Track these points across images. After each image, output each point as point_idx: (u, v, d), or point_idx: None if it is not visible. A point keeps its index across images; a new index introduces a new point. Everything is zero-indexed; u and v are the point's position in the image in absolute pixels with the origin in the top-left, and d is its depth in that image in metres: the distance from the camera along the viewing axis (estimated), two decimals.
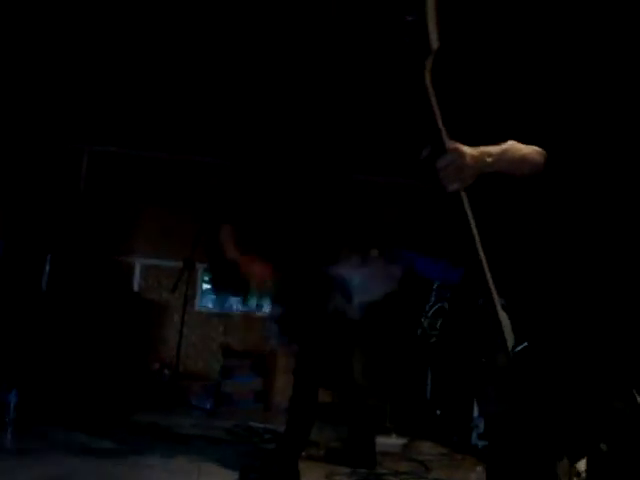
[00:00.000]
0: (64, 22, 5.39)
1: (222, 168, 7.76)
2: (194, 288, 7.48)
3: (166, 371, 6.85)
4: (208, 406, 6.83)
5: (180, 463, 4.42)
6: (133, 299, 7.15)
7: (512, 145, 2.03)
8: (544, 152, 2.04)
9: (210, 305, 7.89)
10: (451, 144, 1.92)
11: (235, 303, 7.99)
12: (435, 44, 1.79)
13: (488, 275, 1.84)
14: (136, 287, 7.57)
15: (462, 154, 1.92)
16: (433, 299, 6.16)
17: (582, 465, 2.32)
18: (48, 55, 5.94)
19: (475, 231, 1.88)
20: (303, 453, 4.50)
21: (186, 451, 4.77)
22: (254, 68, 6.09)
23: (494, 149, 2.00)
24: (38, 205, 7.07)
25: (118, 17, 5.40)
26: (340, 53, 5.64)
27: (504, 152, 2.01)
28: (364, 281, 4.43)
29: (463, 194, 1.92)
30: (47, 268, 6.19)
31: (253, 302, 7.95)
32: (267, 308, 7.68)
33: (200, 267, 7.46)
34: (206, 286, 7.94)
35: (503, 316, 1.85)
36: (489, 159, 1.98)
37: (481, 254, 1.86)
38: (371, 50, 5.53)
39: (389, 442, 5.52)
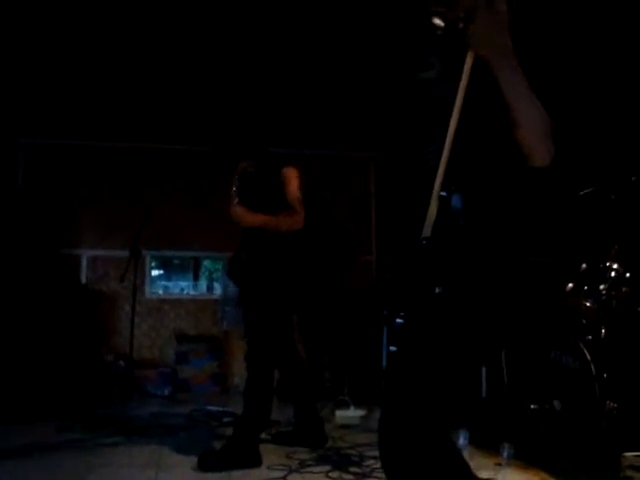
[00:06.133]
0: None
1: (162, 153, 7.70)
2: (143, 276, 7.41)
3: (121, 362, 6.80)
4: (166, 393, 6.82)
5: (140, 456, 4.40)
6: (82, 291, 7.05)
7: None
8: None
9: (160, 292, 7.84)
10: None
11: (186, 287, 7.97)
12: None
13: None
14: (84, 279, 7.47)
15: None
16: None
17: None
18: None
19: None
20: (264, 435, 4.54)
21: (145, 442, 4.75)
22: (188, 52, 6.02)
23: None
24: None
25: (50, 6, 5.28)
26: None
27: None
28: None
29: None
30: None
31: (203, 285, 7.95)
32: (218, 291, 7.71)
33: (147, 254, 7.40)
34: (155, 273, 7.90)
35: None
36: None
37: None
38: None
39: (348, 415, 5.56)
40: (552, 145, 1.81)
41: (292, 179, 4.41)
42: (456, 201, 1.88)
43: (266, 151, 4.56)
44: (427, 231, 1.81)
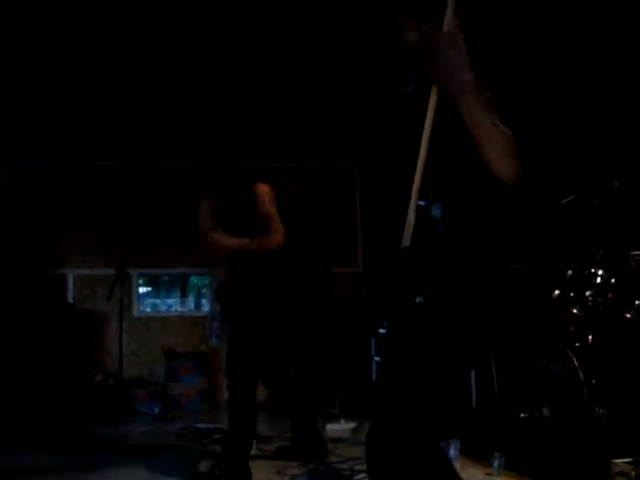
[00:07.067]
0: None
1: (147, 170, 7.68)
2: (130, 294, 7.37)
3: (110, 381, 6.76)
4: (156, 411, 6.78)
5: (131, 477, 4.37)
6: (69, 311, 7.01)
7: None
8: None
9: (148, 309, 7.80)
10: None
11: (174, 304, 7.93)
12: None
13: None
14: (71, 299, 7.42)
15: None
16: None
17: None
18: None
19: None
20: (254, 450, 4.52)
21: (136, 463, 4.70)
22: (169, 69, 6.02)
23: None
24: None
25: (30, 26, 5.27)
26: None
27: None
28: None
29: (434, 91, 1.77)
30: None
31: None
32: (206, 307, 7.67)
33: (133, 273, 7.35)
34: (142, 290, 7.85)
35: None
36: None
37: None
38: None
39: (339, 428, 5.54)
40: (520, 166, 1.80)
41: (262, 195, 4.32)
42: (436, 210, 1.88)
43: (235, 168, 4.49)
44: (406, 241, 1.81)
